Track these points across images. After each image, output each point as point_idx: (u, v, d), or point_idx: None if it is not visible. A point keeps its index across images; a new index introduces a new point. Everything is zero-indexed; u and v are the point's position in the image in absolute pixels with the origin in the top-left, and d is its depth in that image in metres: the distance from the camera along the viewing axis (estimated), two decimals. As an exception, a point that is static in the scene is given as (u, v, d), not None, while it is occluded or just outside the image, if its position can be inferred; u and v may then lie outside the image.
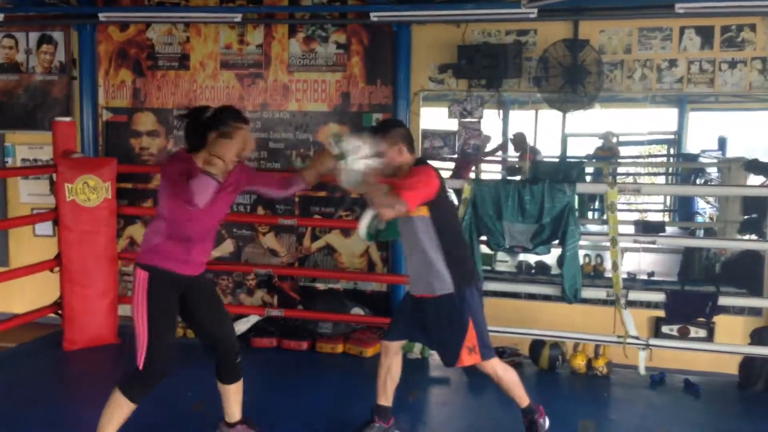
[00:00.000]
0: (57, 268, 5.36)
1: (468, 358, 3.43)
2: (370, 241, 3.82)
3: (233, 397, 3.59)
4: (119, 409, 3.18)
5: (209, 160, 3.04)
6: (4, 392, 4.51)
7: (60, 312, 5.38)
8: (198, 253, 3.32)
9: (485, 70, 5.31)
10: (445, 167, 8.08)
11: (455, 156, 5.95)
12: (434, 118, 6.01)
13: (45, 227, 6.28)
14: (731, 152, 8.04)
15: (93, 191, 5.30)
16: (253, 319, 5.54)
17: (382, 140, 3.39)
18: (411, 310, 3.62)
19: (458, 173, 7.14)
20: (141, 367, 3.15)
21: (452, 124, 5.76)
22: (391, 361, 3.69)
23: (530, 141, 6.81)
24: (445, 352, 3.53)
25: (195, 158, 3.18)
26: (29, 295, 5.98)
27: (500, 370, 3.57)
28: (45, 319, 5.51)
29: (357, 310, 5.56)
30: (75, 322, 5.28)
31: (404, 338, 3.75)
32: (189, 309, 3.38)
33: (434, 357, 5.24)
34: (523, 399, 3.64)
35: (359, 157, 3.23)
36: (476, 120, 5.68)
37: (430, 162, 3.59)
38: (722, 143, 8.70)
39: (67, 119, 5.51)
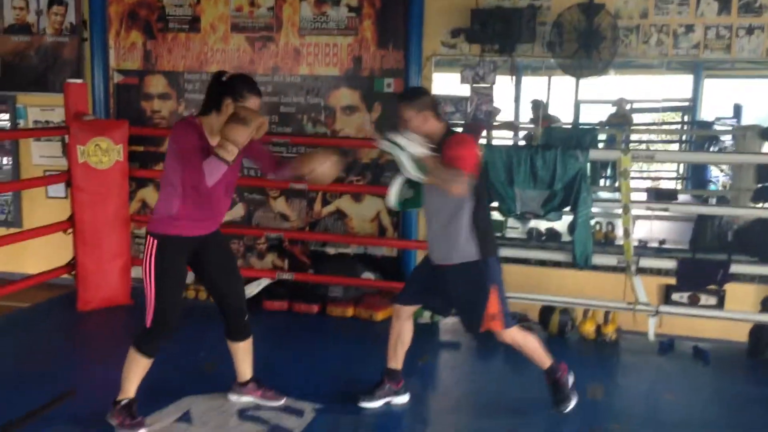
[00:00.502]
0: (70, 230, 5.40)
1: (491, 324, 3.46)
2: (400, 209, 3.81)
3: (243, 356, 3.65)
4: (135, 364, 3.38)
5: (223, 144, 3.05)
6: (20, 351, 4.58)
7: (73, 273, 5.44)
8: (210, 215, 3.38)
9: (498, 34, 5.25)
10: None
11: (464, 122, 5.93)
12: (446, 83, 5.96)
13: (57, 189, 6.32)
14: (746, 120, 7.95)
15: (105, 153, 5.32)
16: (264, 282, 5.58)
17: (407, 108, 3.38)
18: (429, 276, 3.62)
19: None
20: (149, 324, 3.32)
21: (464, 90, 5.71)
22: (402, 325, 3.72)
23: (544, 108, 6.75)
24: (469, 318, 3.54)
25: (204, 123, 3.24)
26: (43, 256, 6.03)
27: (520, 338, 3.58)
28: (59, 280, 5.57)
29: (367, 275, 5.59)
30: (88, 282, 5.33)
31: (417, 304, 3.78)
32: (201, 266, 3.48)
33: (444, 322, 5.28)
34: (544, 361, 3.64)
35: (415, 147, 3.27)
36: (488, 85, 5.63)
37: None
38: (737, 110, 8.59)
39: (79, 81, 5.51)
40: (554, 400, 3.65)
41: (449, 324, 5.29)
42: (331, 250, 5.97)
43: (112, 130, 5.39)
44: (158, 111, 6.20)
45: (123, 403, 3.40)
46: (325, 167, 3.32)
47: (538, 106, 6.72)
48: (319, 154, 3.37)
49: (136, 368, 3.38)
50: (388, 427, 3.56)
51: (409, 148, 3.25)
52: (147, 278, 3.31)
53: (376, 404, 3.76)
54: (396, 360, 3.78)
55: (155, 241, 3.30)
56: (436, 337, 5.09)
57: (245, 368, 3.69)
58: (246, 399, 3.73)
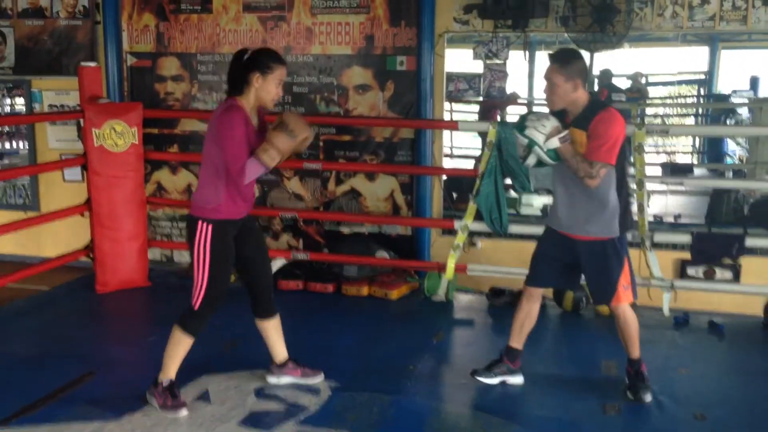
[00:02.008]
0: (87, 213, 5.46)
1: (623, 295, 3.55)
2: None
3: (275, 335, 3.71)
4: (180, 344, 3.43)
5: (267, 150, 3.17)
6: (41, 332, 4.65)
7: (91, 255, 5.50)
8: (250, 197, 3.48)
9: (511, 9, 5.20)
10: (471, 110, 8.05)
11: (480, 99, 5.92)
12: (459, 60, 5.93)
13: (74, 172, 6.36)
14: (763, 92, 7.87)
15: (120, 136, 5.35)
16: (279, 262, 5.62)
17: (557, 73, 3.34)
18: (558, 253, 3.62)
19: (485, 116, 7.10)
20: (196, 307, 3.37)
21: (477, 67, 5.68)
22: (532, 306, 3.74)
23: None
24: (604, 288, 3.57)
25: (240, 102, 3.29)
26: (61, 240, 6.10)
27: (630, 316, 3.62)
28: (77, 263, 5.64)
29: (382, 254, 5.60)
30: (106, 265, 5.40)
31: (549, 286, 3.87)
32: (238, 246, 3.50)
33: (458, 299, 5.30)
34: (636, 350, 3.68)
35: (550, 136, 3.28)
36: (502, 62, 5.59)
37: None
38: (754, 83, 8.51)
39: (92, 64, 5.53)
40: (636, 388, 3.66)
41: (463, 302, 5.31)
42: (345, 230, 6.00)
43: (127, 112, 5.42)
44: (172, 93, 6.22)
45: (165, 384, 3.45)
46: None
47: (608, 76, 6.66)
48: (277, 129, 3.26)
49: (181, 348, 3.43)
50: (402, 404, 3.60)
51: (546, 144, 3.27)
52: (201, 262, 3.34)
53: (492, 381, 3.77)
54: (519, 340, 3.77)
55: (209, 226, 3.33)
56: (450, 315, 5.11)
57: (280, 348, 3.74)
58: (286, 380, 3.75)
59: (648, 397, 3.62)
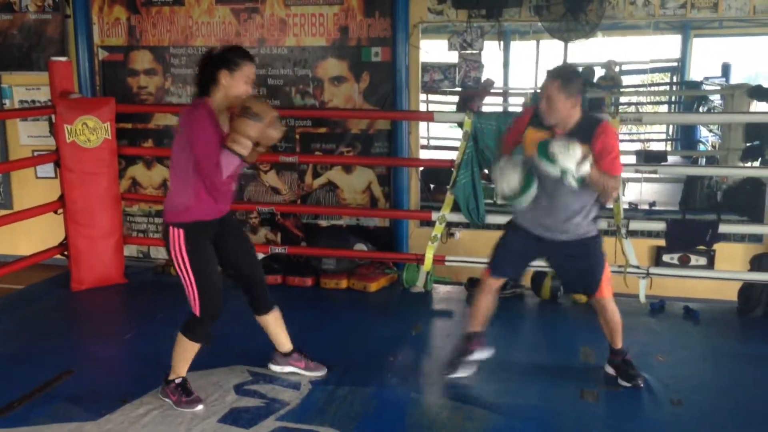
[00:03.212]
0: (61, 210, 5.39)
1: (605, 288, 3.65)
2: (514, 200, 3.64)
3: (275, 327, 3.72)
4: (186, 350, 3.44)
5: (236, 139, 3.11)
6: (17, 331, 4.60)
7: (66, 253, 5.44)
8: (224, 198, 3.39)
9: (485, -1, 5.22)
10: (449, 101, 8.05)
11: (459, 89, 5.90)
12: (434, 50, 5.93)
13: (47, 169, 6.29)
14: (735, 79, 7.95)
15: (92, 132, 5.29)
16: (258, 256, 5.59)
17: (558, 92, 3.31)
18: (524, 248, 3.67)
19: (464, 106, 7.10)
20: (198, 314, 3.34)
21: (452, 57, 5.68)
22: (495, 296, 3.80)
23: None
24: (589, 281, 3.64)
25: (207, 102, 3.20)
26: (35, 237, 6.03)
27: (614, 306, 3.70)
28: (52, 261, 5.57)
29: (360, 246, 5.60)
30: (81, 262, 5.34)
31: (510, 277, 4.01)
32: (221, 248, 3.46)
33: (437, 290, 5.32)
34: (618, 340, 3.77)
35: (581, 162, 3.19)
36: (477, 52, 5.60)
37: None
38: (726, 70, 8.60)
39: (63, 59, 5.44)
40: (627, 376, 3.74)
41: (442, 293, 5.33)
42: (323, 223, 5.99)
43: (99, 107, 5.35)
44: (145, 87, 6.15)
45: (177, 381, 3.47)
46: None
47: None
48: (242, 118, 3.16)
49: (187, 354, 3.44)
50: (383, 396, 3.60)
51: (578, 171, 3.21)
52: (183, 269, 3.30)
53: (468, 372, 3.82)
54: (482, 324, 3.83)
55: (181, 231, 3.28)
56: (429, 306, 5.13)
57: (283, 339, 3.76)
58: (289, 369, 3.79)
59: (641, 381, 3.71)
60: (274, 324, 3.71)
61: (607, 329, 3.76)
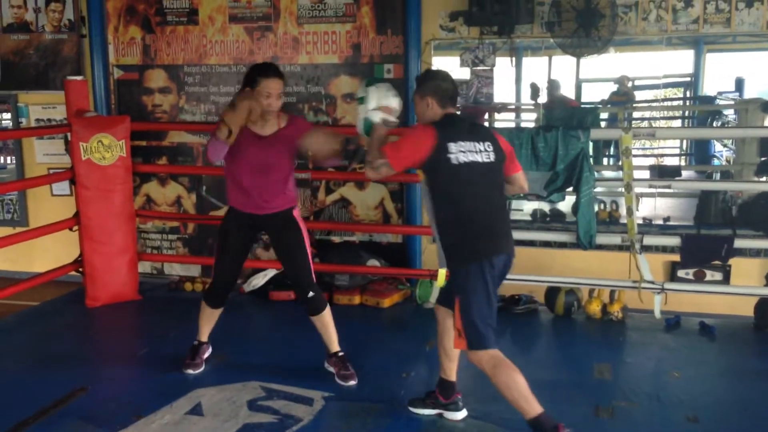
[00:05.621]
0: (76, 227, 5.43)
1: (457, 341, 3.11)
2: None
3: (320, 329, 3.96)
4: (203, 311, 4.04)
5: (217, 125, 3.52)
6: (32, 347, 4.62)
7: (81, 270, 5.47)
8: (255, 196, 3.76)
9: (497, 16, 5.23)
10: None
11: (464, 106, 5.90)
12: (446, 67, 5.95)
13: (62, 187, 6.34)
14: (749, 93, 7.91)
15: (107, 150, 5.33)
16: (271, 273, 5.60)
17: (415, 92, 3.31)
18: None
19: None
20: (212, 279, 3.99)
21: (464, 73, 5.70)
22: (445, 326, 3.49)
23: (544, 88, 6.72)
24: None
25: None
26: (50, 254, 6.07)
27: (489, 366, 3.01)
28: (67, 278, 5.61)
29: (373, 262, 5.60)
30: (96, 279, 5.37)
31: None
32: (273, 245, 3.97)
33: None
34: (527, 410, 2.97)
35: (377, 108, 3.27)
36: (488, 68, 5.61)
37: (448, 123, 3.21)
38: (739, 84, 8.54)
39: (79, 78, 5.52)
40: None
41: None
42: (336, 239, 5.99)
43: (114, 126, 5.40)
44: (159, 105, 6.21)
45: (194, 344, 4.06)
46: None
47: (536, 90, 6.68)
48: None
49: (204, 315, 4.02)
50: (397, 412, 3.59)
51: (371, 104, 3.26)
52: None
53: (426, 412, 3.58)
54: (453, 370, 3.54)
55: (227, 210, 3.92)
56: (443, 322, 5.10)
57: (326, 341, 3.98)
58: (330, 369, 3.99)
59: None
60: (318, 326, 3.95)
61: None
